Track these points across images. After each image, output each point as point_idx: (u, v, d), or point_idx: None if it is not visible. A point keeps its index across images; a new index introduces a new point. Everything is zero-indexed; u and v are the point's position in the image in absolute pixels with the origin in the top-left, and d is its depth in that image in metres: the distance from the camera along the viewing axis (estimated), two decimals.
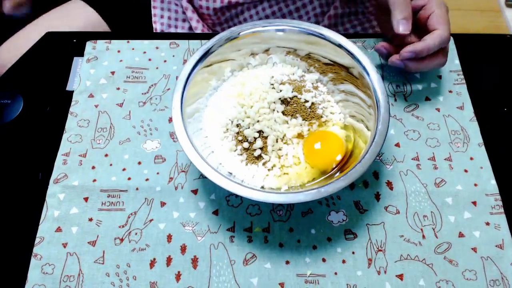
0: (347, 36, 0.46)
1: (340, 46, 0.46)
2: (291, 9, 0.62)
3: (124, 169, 0.47)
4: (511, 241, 0.43)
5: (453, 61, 0.54)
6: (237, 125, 0.46)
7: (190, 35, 0.59)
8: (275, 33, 0.47)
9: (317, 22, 0.64)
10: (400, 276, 0.41)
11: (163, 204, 0.45)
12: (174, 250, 0.43)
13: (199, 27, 0.64)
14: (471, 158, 0.47)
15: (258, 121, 0.46)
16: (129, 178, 0.46)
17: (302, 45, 0.48)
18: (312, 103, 0.47)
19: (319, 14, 0.64)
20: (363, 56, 0.44)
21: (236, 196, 0.45)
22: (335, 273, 0.42)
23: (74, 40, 0.56)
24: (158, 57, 0.55)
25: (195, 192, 0.46)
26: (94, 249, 0.43)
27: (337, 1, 0.64)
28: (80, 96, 0.52)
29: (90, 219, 0.44)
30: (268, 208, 0.45)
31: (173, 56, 0.55)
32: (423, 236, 0.43)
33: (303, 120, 0.46)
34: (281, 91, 0.47)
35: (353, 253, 0.42)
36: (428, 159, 0.47)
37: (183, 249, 0.43)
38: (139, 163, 0.47)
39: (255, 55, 0.49)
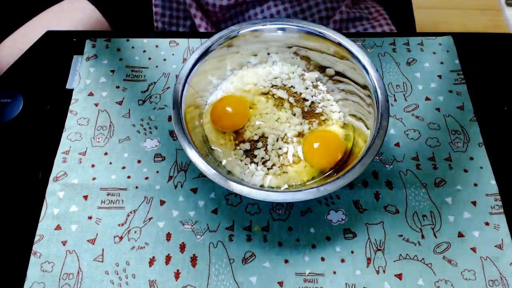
0: (347, 35, 0.46)
1: (339, 45, 0.45)
2: (297, 10, 0.63)
3: (123, 168, 0.47)
4: (510, 241, 0.43)
5: (453, 61, 0.54)
6: None
7: (190, 34, 0.59)
8: (275, 31, 0.47)
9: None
10: (399, 276, 0.41)
11: (162, 202, 0.45)
12: (173, 248, 0.43)
13: (203, 25, 0.64)
14: (471, 158, 0.47)
15: (258, 120, 0.46)
16: (128, 177, 0.46)
17: (302, 43, 0.48)
18: (312, 102, 0.47)
19: (324, 17, 0.64)
20: (363, 55, 0.44)
21: (236, 195, 0.45)
22: (334, 272, 0.42)
23: (74, 39, 0.56)
24: (157, 56, 0.55)
25: (194, 190, 0.46)
26: (93, 247, 0.43)
27: (342, 6, 0.64)
28: (80, 95, 0.52)
29: (90, 217, 0.44)
30: (268, 207, 0.45)
31: (173, 54, 0.55)
32: (422, 236, 0.43)
33: (303, 119, 0.46)
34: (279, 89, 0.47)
35: (352, 252, 0.42)
36: (428, 159, 0.47)
37: (182, 247, 0.43)
38: (139, 161, 0.47)
39: (255, 53, 0.49)
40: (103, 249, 0.43)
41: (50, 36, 0.57)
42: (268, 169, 0.44)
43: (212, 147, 0.45)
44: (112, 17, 0.67)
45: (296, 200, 0.39)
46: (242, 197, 0.45)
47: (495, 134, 0.49)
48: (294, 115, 0.46)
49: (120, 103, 0.52)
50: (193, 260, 0.42)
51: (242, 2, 0.61)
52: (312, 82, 0.49)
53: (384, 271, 0.41)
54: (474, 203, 0.45)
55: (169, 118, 0.50)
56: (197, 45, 0.56)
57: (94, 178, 0.46)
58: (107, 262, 0.42)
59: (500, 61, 0.54)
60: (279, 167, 0.44)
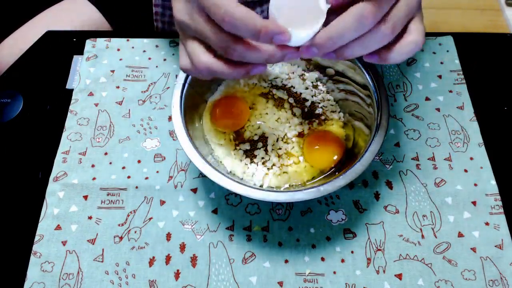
0: None
1: None
2: None
3: (123, 168, 0.47)
4: (510, 241, 0.43)
5: (453, 61, 0.54)
6: None
7: None
8: None
9: None
10: (399, 276, 0.41)
11: (162, 202, 0.45)
12: (173, 248, 0.43)
13: None
14: (471, 158, 0.47)
15: (258, 120, 0.46)
16: (128, 177, 0.46)
17: None
18: (312, 102, 0.47)
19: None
20: None
21: (236, 195, 0.45)
22: (334, 272, 0.42)
23: (74, 39, 0.56)
24: (158, 56, 0.55)
25: (194, 190, 0.46)
26: (93, 247, 0.43)
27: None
28: (80, 95, 0.52)
29: (90, 217, 0.44)
30: (268, 207, 0.45)
31: (173, 54, 0.55)
32: (422, 236, 0.43)
33: (303, 119, 0.46)
34: (279, 89, 0.47)
35: (352, 252, 0.42)
36: (428, 159, 0.47)
37: (182, 247, 0.43)
38: (139, 161, 0.47)
39: None
40: (103, 249, 0.43)
41: (50, 36, 0.57)
42: (268, 169, 0.44)
43: (212, 147, 0.45)
44: (112, 17, 0.67)
45: (296, 200, 0.39)
46: (242, 197, 0.45)
47: (495, 134, 0.49)
48: (294, 115, 0.46)
49: (120, 103, 0.52)
50: (193, 260, 0.42)
51: (242, 2, 0.61)
52: (312, 82, 0.49)
53: (384, 271, 0.41)
54: (474, 203, 0.45)
55: (169, 118, 0.50)
56: None
57: (94, 178, 0.46)
58: (107, 262, 0.42)
59: (500, 61, 0.54)
60: (279, 167, 0.44)
